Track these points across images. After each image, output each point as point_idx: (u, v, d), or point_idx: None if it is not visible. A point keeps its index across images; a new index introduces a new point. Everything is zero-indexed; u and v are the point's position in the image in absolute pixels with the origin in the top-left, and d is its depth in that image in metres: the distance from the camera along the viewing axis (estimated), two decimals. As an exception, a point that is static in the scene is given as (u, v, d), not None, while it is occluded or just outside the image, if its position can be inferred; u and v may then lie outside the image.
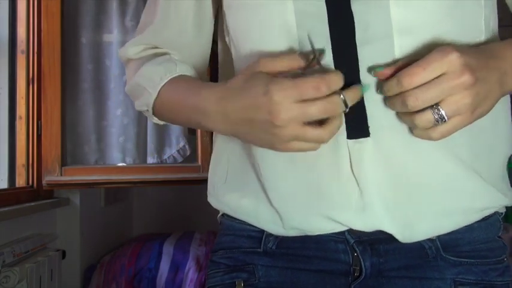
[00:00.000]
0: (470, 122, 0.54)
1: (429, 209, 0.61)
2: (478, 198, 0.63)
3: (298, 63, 0.56)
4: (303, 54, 0.56)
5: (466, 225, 0.64)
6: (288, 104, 0.52)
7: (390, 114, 0.58)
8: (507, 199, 0.65)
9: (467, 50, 0.53)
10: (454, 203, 0.62)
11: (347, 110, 0.54)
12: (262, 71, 0.56)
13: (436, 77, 0.51)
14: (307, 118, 0.53)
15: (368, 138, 0.59)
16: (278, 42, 0.61)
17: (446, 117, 0.52)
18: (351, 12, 0.58)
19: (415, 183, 0.60)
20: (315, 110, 0.52)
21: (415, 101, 0.51)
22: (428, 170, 0.60)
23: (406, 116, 0.55)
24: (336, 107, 0.53)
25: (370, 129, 0.59)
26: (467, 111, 0.52)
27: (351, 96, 0.54)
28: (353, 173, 0.60)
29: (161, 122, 0.76)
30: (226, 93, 0.58)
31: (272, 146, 0.57)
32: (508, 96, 0.67)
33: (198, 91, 0.62)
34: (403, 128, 0.58)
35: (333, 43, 0.59)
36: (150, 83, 0.69)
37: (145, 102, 0.71)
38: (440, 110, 0.51)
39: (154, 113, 0.73)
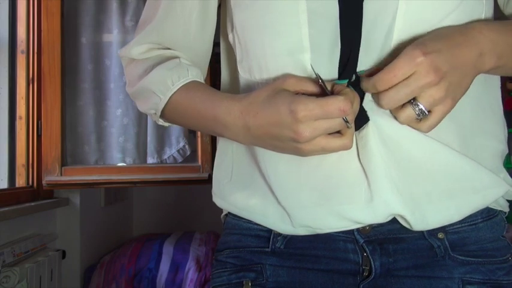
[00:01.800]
0: (452, 108, 0.56)
1: (434, 189, 0.62)
2: (476, 177, 0.63)
3: (318, 89, 0.58)
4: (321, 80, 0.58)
5: (469, 214, 0.64)
6: (312, 123, 0.54)
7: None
8: (506, 183, 0.65)
9: (435, 45, 0.55)
10: (455, 183, 0.62)
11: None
12: (286, 88, 0.57)
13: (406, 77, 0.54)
14: (330, 131, 0.56)
15: (369, 122, 0.60)
16: (289, 41, 0.62)
17: (426, 111, 0.55)
18: (362, 11, 0.59)
19: (416, 163, 0.61)
20: (337, 124, 0.55)
21: (388, 103, 0.55)
22: (425, 151, 0.61)
23: (393, 113, 0.58)
24: (353, 116, 0.56)
25: (368, 114, 0.61)
26: (445, 100, 0.55)
27: (356, 105, 0.57)
28: (360, 162, 0.61)
29: (166, 124, 0.76)
30: (248, 108, 0.59)
31: (296, 154, 0.59)
32: (497, 91, 0.70)
33: (218, 102, 0.63)
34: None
35: (343, 42, 0.60)
36: (161, 87, 0.69)
37: (153, 107, 0.71)
38: (419, 104, 0.55)
39: (161, 116, 0.73)
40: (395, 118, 0.58)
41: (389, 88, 0.54)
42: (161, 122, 0.75)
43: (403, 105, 0.55)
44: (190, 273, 2.13)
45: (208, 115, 0.64)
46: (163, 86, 0.69)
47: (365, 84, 0.57)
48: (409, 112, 0.55)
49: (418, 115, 0.55)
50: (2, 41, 1.92)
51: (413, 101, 0.55)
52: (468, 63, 0.56)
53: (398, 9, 0.58)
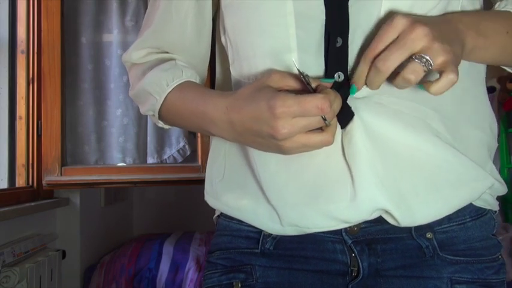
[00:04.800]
0: (457, 60, 0.54)
1: (420, 182, 0.62)
2: (461, 170, 0.63)
3: (302, 86, 0.58)
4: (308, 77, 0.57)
5: (456, 208, 0.64)
6: (290, 120, 0.54)
7: (367, 93, 0.60)
8: (491, 176, 0.65)
9: (417, 17, 0.55)
10: (441, 176, 0.62)
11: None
12: (270, 85, 0.57)
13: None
14: (308, 129, 0.55)
15: (354, 117, 0.60)
16: (277, 41, 0.63)
17: (431, 61, 0.52)
18: (347, 12, 0.60)
19: (402, 156, 0.61)
20: (316, 122, 0.54)
21: (384, 63, 0.52)
22: (412, 143, 0.61)
23: (398, 80, 0.54)
24: (333, 115, 0.56)
25: (353, 109, 0.60)
26: (445, 51, 0.52)
27: (336, 105, 0.56)
28: (345, 160, 0.61)
29: (166, 126, 0.78)
30: (234, 104, 0.59)
31: (279, 152, 0.59)
32: (482, 84, 0.70)
33: (207, 99, 0.64)
34: (383, 104, 0.60)
35: (326, 43, 0.61)
36: (157, 88, 0.70)
37: (151, 108, 0.73)
38: (423, 56, 0.52)
39: (160, 118, 0.74)
40: (403, 82, 0.53)
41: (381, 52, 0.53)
42: (161, 124, 0.76)
43: (407, 64, 0.52)
44: (190, 273, 2.13)
45: (198, 112, 0.65)
46: (158, 87, 0.70)
47: (359, 65, 0.55)
48: (415, 66, 0.52)
49: (425, 65, 0.52)
50: (2, 41, 1.92)
51: (414, 56, 0.52)
52: (450, 28, 0.56)
53: (382, 8, 0.59)
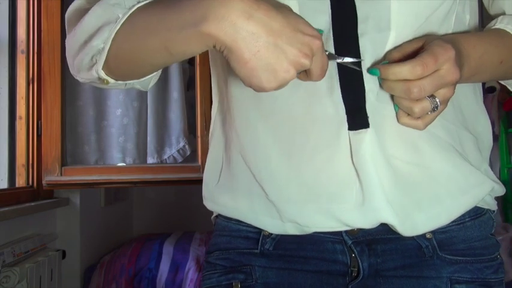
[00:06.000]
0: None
1: (423, 197, 0.62)
2: (460, 177, 0.64)
3: None
4: None
5: (458, 215, 0.65)
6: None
7: (389, 105, 0.60)
8: (489, 179, 0.66)
9: (455, 46, 0.56)
10: (441, 187, 0.63)
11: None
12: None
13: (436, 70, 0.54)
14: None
15: (368, 129, 0.60)
16: None
17: (439, 105, 0.56)
18: (354, 4, 0.59)
19: (405, 173, 0.62)
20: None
21: (420, 91, 0.54)
22: (418, 158, 0.62)
23: (405, 101, 0.57)
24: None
25: (370, 120, 0.60)
26: (448, 100, 0.57)
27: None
28: (353, 165, 0.61)
29: (111, 80, 0.62)
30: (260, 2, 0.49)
31: (273, 70, 0.50)
32: (478, 89, 0.71)
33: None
34: (390, 116, 0.60)
35: (335, 35, 0.60)
36: (113, 11, 0.57)
37: (102, 35, 0.58)
38: (436, 99, 0.55)
39: (108, 63, 0.59)
40: (407, 108, 0.56)
41: (423, 78, 0.53)
42: (102, 74, 0.60)
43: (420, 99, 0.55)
44: (190, 273, 2.13)
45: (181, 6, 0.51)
46: (117, 9, 0.58)
47: (396, 69, 0.54)
48: (427, 105, 0.55)
49: (433, 109, 0.56)
50: (2, 41, 1.92)
51: (432, 95, 0.55)
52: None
53: (392, 5, 0.58)
